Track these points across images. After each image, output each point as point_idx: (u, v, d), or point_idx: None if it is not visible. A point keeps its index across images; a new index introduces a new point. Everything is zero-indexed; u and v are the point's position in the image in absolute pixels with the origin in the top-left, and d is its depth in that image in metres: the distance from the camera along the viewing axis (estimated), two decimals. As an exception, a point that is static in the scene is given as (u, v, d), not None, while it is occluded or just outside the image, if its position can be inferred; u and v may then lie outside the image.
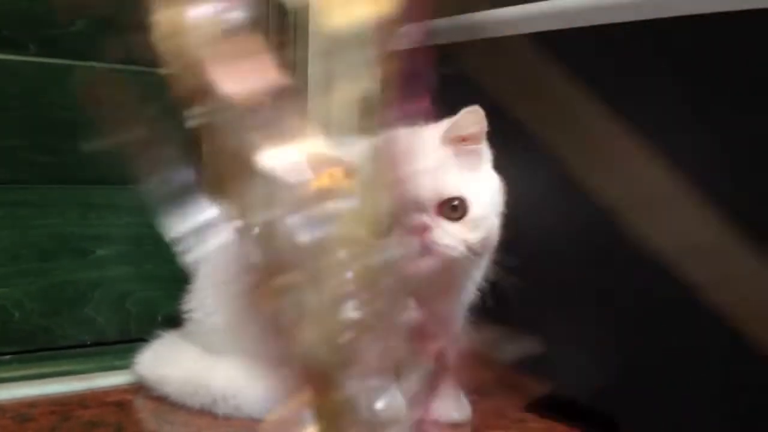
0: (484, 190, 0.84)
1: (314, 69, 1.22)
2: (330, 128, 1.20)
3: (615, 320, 0.86)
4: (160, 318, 1.12)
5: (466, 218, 0.81)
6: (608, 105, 0.87)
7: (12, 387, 0.98)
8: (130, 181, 1.12)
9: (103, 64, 1.09)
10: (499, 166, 0.87)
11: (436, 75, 1.04)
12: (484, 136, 0.86)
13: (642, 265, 0.83)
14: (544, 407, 0.93)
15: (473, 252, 0.81)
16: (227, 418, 0.90)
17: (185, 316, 1.03)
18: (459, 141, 0.83)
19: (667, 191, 0.81)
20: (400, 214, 0.77)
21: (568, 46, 0.92)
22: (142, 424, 0.91)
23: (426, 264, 0.79)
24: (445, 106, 1.05)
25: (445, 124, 0.83)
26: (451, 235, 0.80)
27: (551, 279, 0.93)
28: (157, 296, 1.13)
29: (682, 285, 0.79)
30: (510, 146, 0.90)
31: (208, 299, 1.01)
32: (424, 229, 0.79)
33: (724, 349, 0.77)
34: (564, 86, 0.92)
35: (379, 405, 0.88)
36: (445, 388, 0.90)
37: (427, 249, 0.79)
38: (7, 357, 1.04)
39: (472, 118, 0.83)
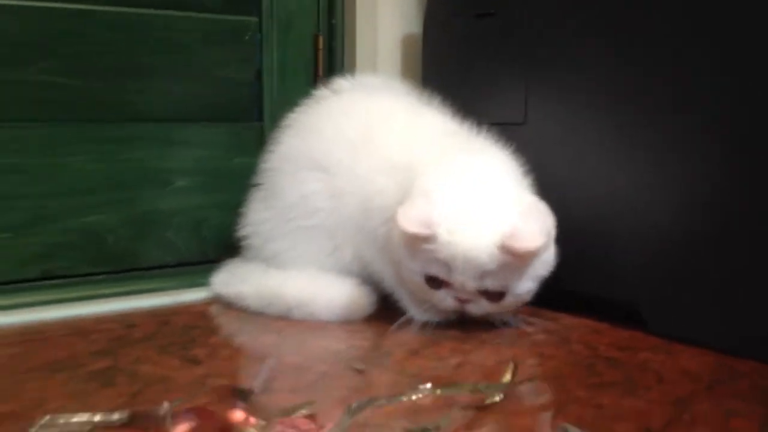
0: (526, 282, 0.95)
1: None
2: (375, 68, 1.33)
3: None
4: (232, 242, 1.25)
5: (502, 302, 0.96)
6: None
7: (109, 302, 1.11)
8: (204, 119, 1.25)
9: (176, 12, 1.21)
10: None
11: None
12: (542, 250, 0.94)
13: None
14: (573, 306, 1.06)
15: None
16: (302, 322, 1.04)
17: (243, 239, 1.16)
18: (514, 256, 0.92)
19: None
20: (451, 285, 0.95)
21: None
22: (231, 325, 1.06)
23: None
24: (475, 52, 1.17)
25: (504, 229, 0.92)
26: (484, 309, 0.97)
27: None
28: (229, 222, 1.26)
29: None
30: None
31: (265, 224, 1.13)
32: (464, 300, 0.96)
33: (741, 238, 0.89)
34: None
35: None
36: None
37: (461, 312, 0.97)
38: (101, 276, 1.18)
39: (526, 248, 0.92)
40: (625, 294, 1.00)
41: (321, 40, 1.34)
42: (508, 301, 0.96)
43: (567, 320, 1.05)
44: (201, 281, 1.17)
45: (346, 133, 1.08)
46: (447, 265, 0.93)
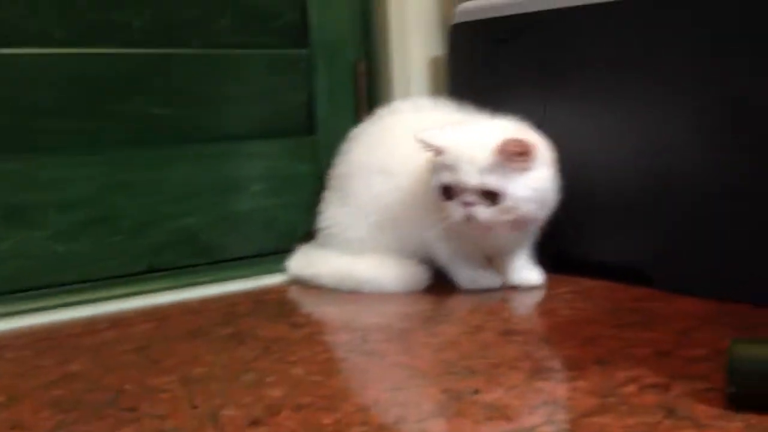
0: (521, 187, 1.16)
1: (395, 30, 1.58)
2: (408, 87, 1.57)
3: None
4: (298, 234, 1.47)
5: (501, 205, 1.17)
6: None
7: (208, 287, 1.35)
8: (269, 135, 1.49)
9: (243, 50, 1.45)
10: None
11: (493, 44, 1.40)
12: (532, 155, 1.16)
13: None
14: (595, 271, 1.30)
15: (506, 226, 1.19)
16: (372, 294, 1.27)
17: (321, 231, 1.39)
18: (508, 155, 1.15)
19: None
20: (459, 191, 1.18)
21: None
22: (314, 299, 1.30)
23: (471, 228, 1.19)
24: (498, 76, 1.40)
25: (500, 138, 1.14)
26: (485, 214, 1.17)
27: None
28: (294, 218, 1.50)
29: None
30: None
31: (342, 218, 1.37)
32: (468, 204, 1.17)
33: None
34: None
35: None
36: (524, 259, 1.27)
37: (469, 218, 1.18)
38: (199, 266, 1.42)
39: (517, 147, 1.14)
40: (633, 259, 1.25)
41: (361, 65, 1.58)
42: (507, 204, 1.16)
43: (587, 283, 1.28)
44: (276, 268, 1.40)
45: (401, 143, 1.32)
46: (454, 168, 1.16)
